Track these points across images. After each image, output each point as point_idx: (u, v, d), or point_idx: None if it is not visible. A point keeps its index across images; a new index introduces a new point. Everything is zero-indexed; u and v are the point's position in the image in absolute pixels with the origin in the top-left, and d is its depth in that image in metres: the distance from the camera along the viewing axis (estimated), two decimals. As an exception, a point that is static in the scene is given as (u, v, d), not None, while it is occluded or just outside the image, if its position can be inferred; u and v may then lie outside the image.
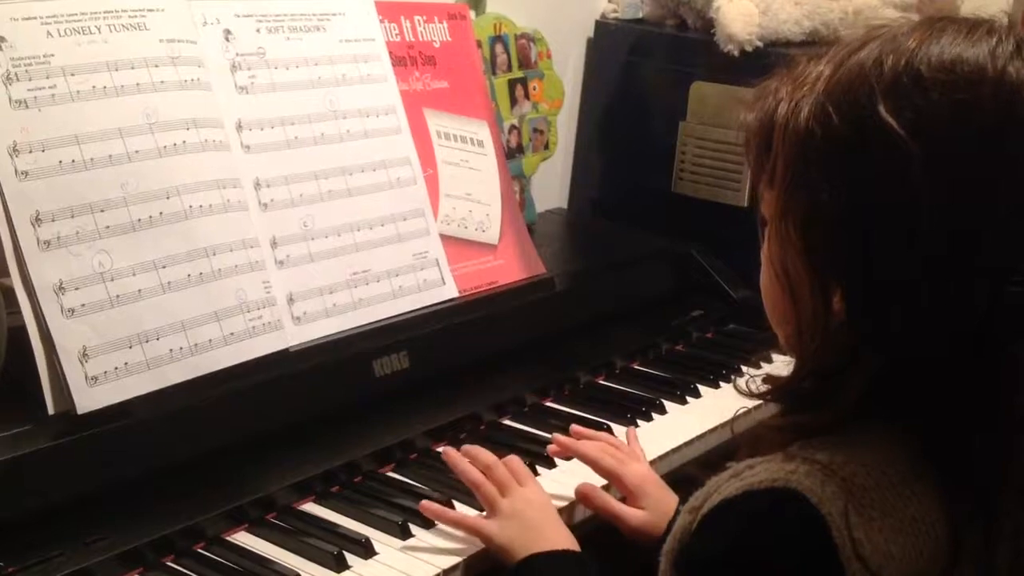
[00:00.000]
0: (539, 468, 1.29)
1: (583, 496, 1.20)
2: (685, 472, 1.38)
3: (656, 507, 1.19)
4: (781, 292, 0.84)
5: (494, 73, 1.73)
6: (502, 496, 1.13)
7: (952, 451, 0.81)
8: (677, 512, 0.89)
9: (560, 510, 1.20)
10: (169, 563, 1.07)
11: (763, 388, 0.90)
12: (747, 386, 0.91)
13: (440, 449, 1.27)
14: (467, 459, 1.18)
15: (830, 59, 0.83)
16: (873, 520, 0.78)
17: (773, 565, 0.78)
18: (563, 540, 1.09)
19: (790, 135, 0.82)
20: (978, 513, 0.81)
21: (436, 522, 1.16)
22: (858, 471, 0.79)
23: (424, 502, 1.15)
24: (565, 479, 1.26)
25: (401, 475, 1.26)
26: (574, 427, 1.31)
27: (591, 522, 1.23)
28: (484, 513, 1.15)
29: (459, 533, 1.14)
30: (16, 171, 1.10)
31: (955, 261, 0.77)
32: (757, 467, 0.81)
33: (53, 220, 1.11)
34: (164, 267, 1.18)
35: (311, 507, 1.19)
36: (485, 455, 1.18)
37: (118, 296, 1.14)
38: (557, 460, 1.31)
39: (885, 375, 0.80)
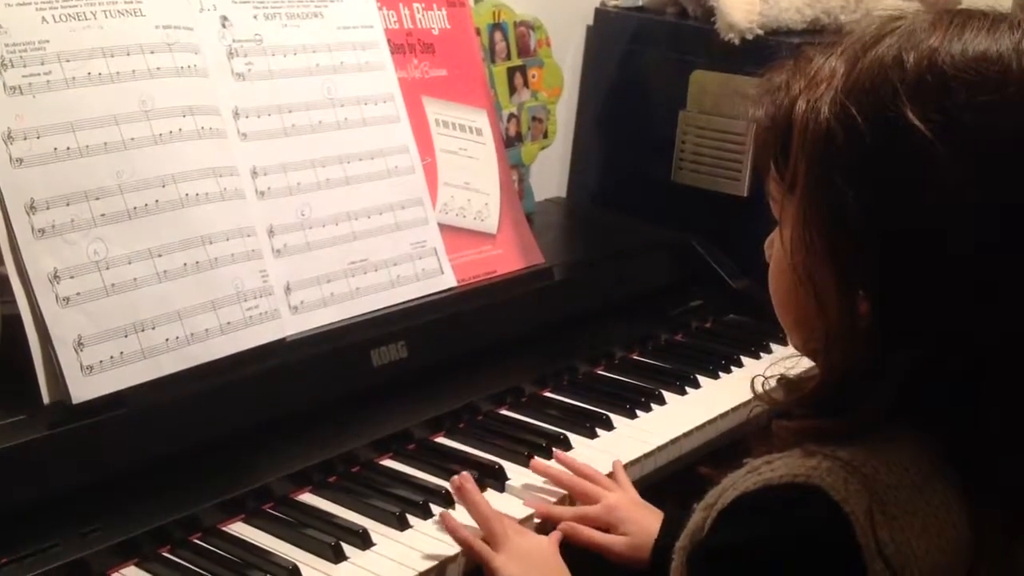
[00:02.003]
0: (538, 459, 1.28)
1: (567, 536, 1.18)
2: (685, 462, 1.37)
3: (636, 529, 1.19)
4: (806, 297, 0.82)
5: (493, 61, 1.72)
6: (511, 535, 1.12)
7: (976, 453, 0.79)
8: (666, 540, 0.87)
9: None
10: (165, 554, 1.07)
11: (780, 394, 0.88)
12: (763, 388, 0.90)
13: (445, 434, 1.27)
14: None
15: (843, 54, 0.81)
16: (896, 519, 0.76)
17: (793, 562, 0.76)
18: None
19: (810, 137, 0.79)
20: (1001, 514, 0.80)
21: (434, 512, 1.15)
22: (880, 469, 0.77)
23: (444, 512, 1.14)
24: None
25: (399, 465, 1.25)
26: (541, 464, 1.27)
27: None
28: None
29: (457, 524, 1.14)
30: (11, 158, 1.09)
31: (986, 264, 0.75)
32: (776, 462, 0.79)
33: (48, 208, 1.10)
34: (160, 256, 1.17)
35: (309, 498, 1.18)
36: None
37: (113, 285, 1.13)
38: (556, 451, 1.30)
39: (911, 380, 0.78)
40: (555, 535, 1.16)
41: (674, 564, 0.87)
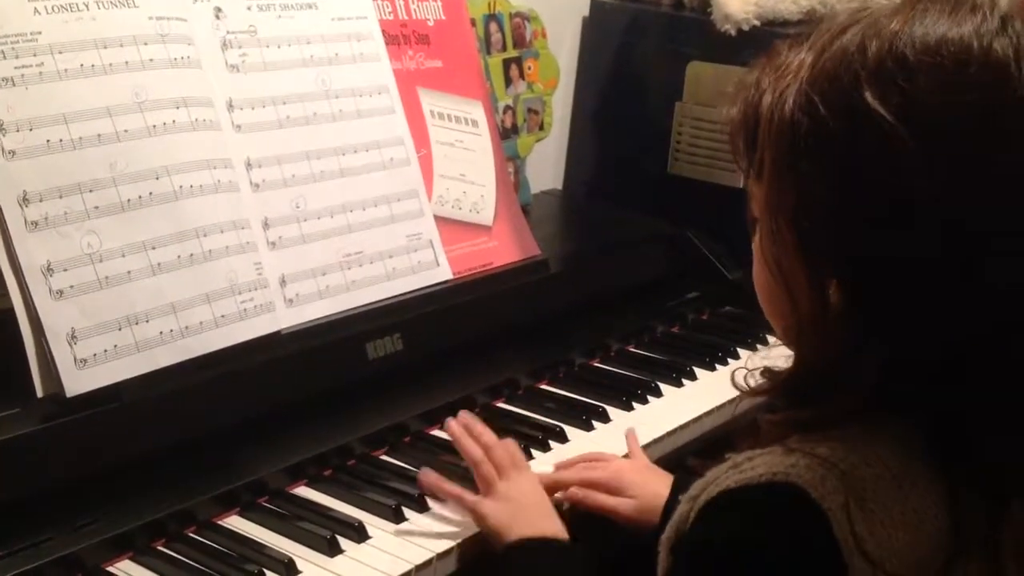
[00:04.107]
0: (533, 451, 1.28)
1: (576, 501, 1.20)
2: (681, 455, 1.37)
3: (644, 492, 1.20)
4: (777, 288, 0.83)
5: (488, 52, 1.71)
6: (499, 478, 1.15)
7: (954, 444, 0.79)
8: (677, 500, 0.87)
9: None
10: (160, 547, 1.07)
11: (762, 384, 0.88)
12: (745, 381, 0.90)
13: (441, 427, 1.28)
14: (469, 435, 1.19)
15: (811, 45, 0.81)
16: (875, 513, 0.76)
17: (772, 559, 0.77)
18: (553, 528, 1.11)
19: (775, 127, 0.80)
20: (981, 504, 0.79)
21: (430, 504, 1.15)
22: (858, 464, 0.77)
23: (423, 471, 1.15)
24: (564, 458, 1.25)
25: (394, 458, 1.25)
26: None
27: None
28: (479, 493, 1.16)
29: (453, 517, 1.14)
30: (3, 150, 1.08)
31: (953, 249, 0.75)
32: (756, 459, 0.80)
33: (41, 200, 1.10)
34: (154, 248, 1.16)
35: (304, 491, 1.18)
36: (488, 436, 1.19)
37: (107, 277, 1.13)
38: (552, 444, 1.30)
39: (887, 369, 0.78)
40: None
41: (660, 555, 0.87)
